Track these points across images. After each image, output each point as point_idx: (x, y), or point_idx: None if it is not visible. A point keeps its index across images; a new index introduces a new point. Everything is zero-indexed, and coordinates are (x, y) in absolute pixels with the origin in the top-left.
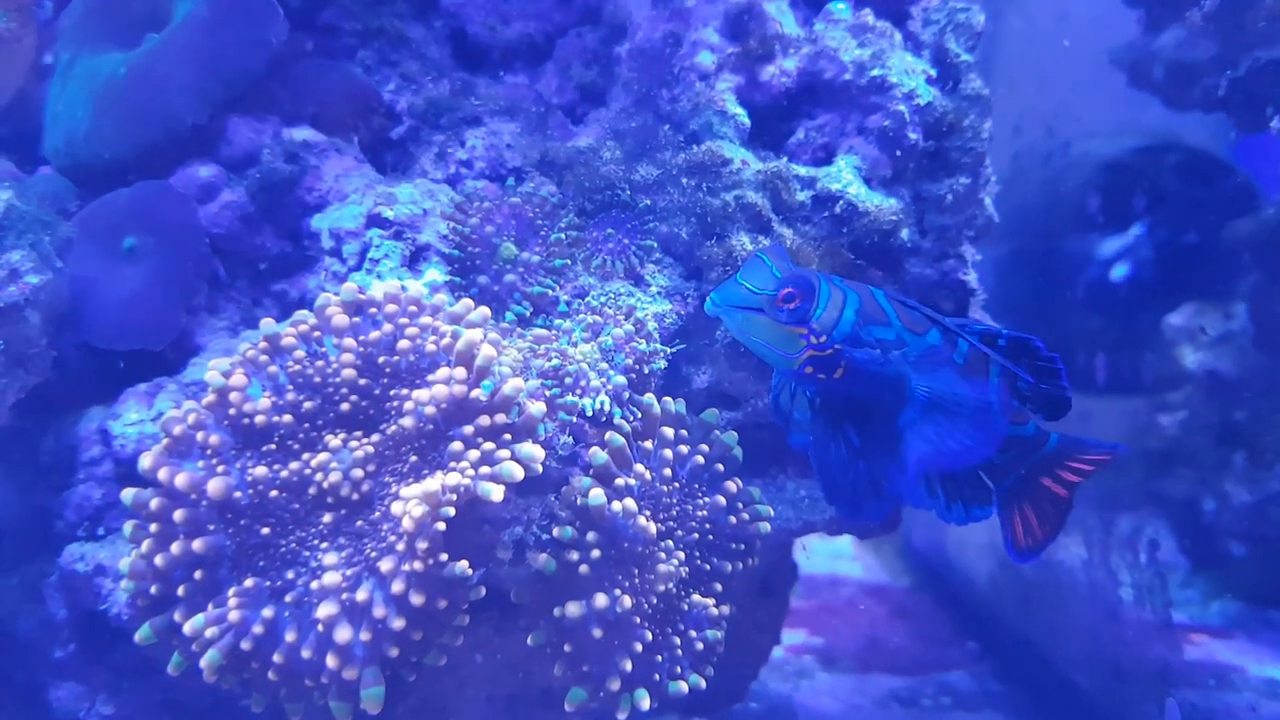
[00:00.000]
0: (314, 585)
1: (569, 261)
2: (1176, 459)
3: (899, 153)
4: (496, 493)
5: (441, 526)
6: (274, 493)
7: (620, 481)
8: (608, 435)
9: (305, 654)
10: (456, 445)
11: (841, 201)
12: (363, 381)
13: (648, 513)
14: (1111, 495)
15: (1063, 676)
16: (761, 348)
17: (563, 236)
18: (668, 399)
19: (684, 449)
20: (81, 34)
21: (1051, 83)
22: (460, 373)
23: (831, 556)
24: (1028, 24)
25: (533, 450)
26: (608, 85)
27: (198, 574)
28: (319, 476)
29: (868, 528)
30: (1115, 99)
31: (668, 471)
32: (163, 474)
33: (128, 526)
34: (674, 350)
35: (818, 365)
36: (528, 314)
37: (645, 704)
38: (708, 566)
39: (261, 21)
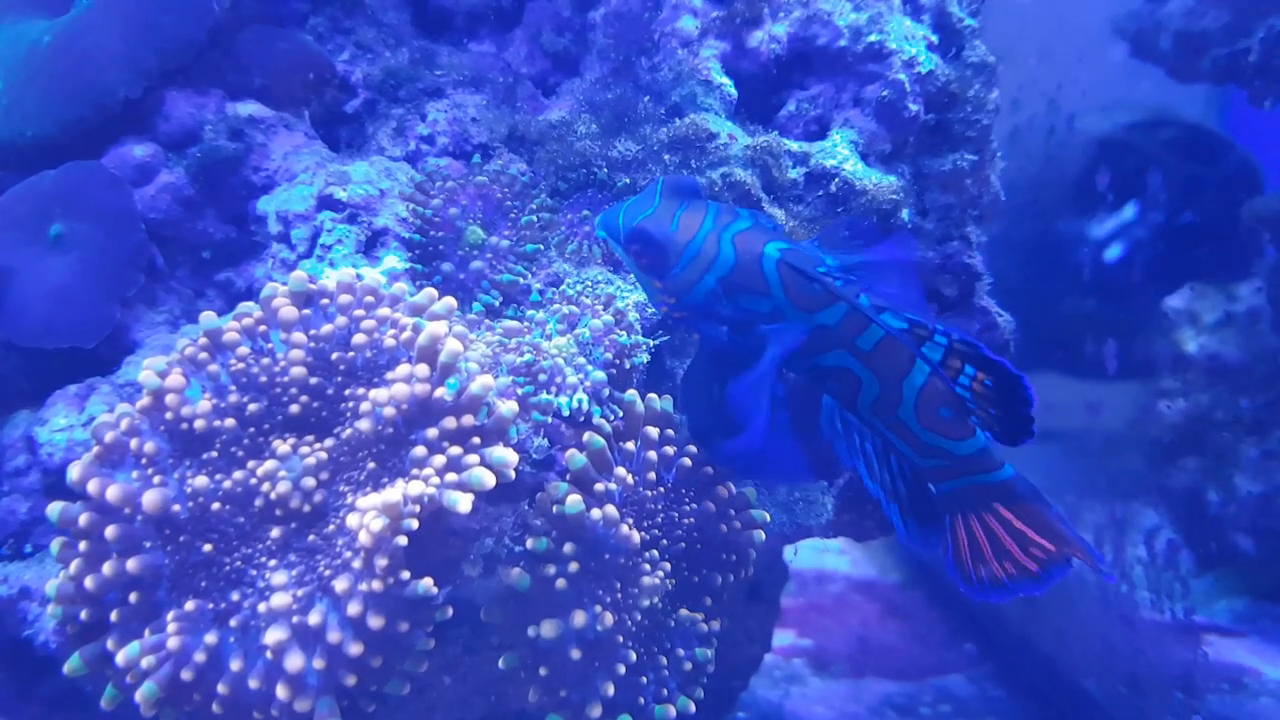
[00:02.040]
0: (261, 608)
1: (542, 246)
2: (1178, 449)
3: (898, 126)
4: (464, 502)
5: (403, 541)
6: (216, 505)
7: (600, 487)
8: (586, 436)
9: (253, 684)
10: (419, 450)
11: (837, 179)
12: (314, 380)
13: (630, 521)
14: (1116, 487)
15: (1071, 682)
16: (640, 285)
17: (535, 219)
18: (652, 396)
19: (670, 450)
20: (3, 1)
21: (1053, 53)
22: (423, 370)
23: (817, 550)
24: None
25: (504, 454)
26: (582, 53)
27: (132, 597)
28: (266, 487)
29: (864, 529)
30: (1119, 70)
31: (652, 475)
32: (93, 486)
33: (55, 544)
34: (657, 342)
35: (675, 324)
36: (497, 304)
37: None
38: (697, 579)
39: None
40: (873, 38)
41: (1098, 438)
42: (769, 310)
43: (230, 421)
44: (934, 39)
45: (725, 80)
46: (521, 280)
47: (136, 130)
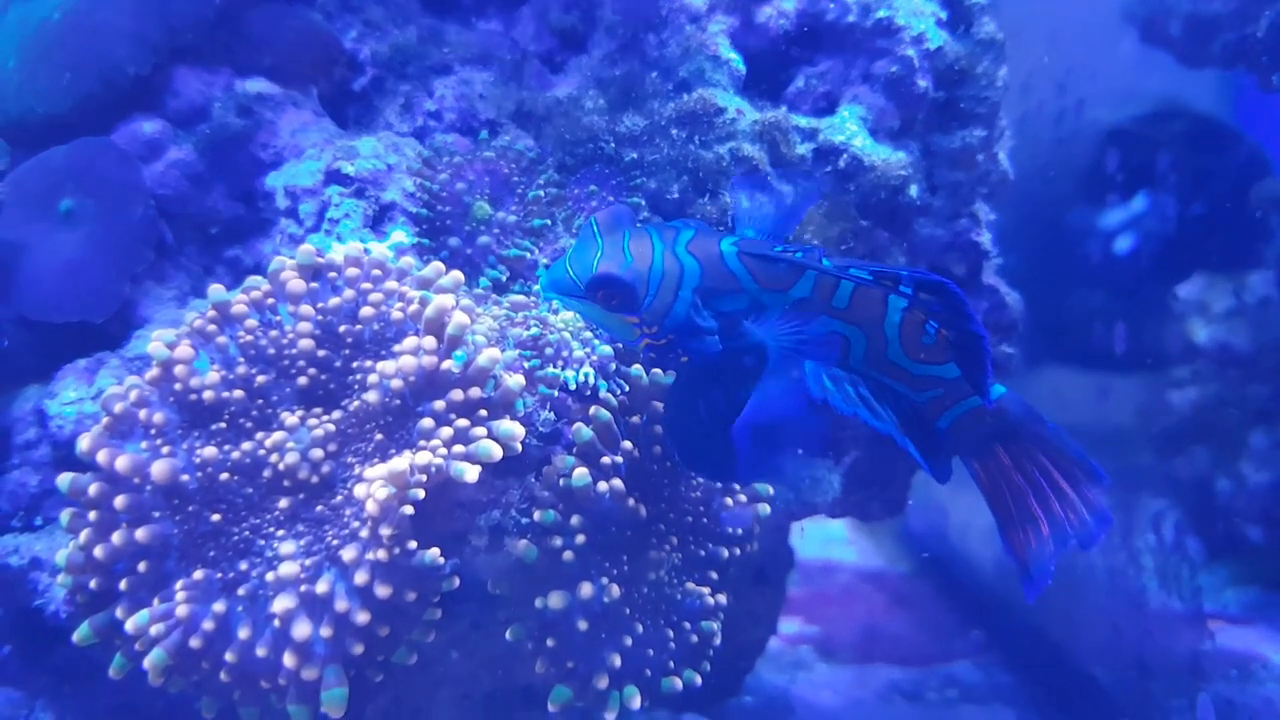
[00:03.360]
0: (269, 577)
1: (549, 221)
2: (1188, 438)
3: (907, 102)
4: (471, 473)
5: (409, 511)
6: (225, 476)
7: (607, 460)
8: (593, 410)
9: (260, 652)
10: (426, 422)
11: (845, 155)
12: (322, 353)
13: (637, 494)
14: (1126, 476)
15: (1079, 668)
16: (605, 330)
17: (541, 194)
18: (657, 370)
19: None
20: None
21: (1062, 38)
22: (430, 342)
23: (824, 540)
24: None
25: (511, 427)
26: (589, 31)
27: (141, 566)
28: (274, 458)
29: (869, 510)
30: (1128, 56)
31: (658, 449)
32: (102, 456)
33: (65, 515)
34: None
35: (660, 353)
36: (504, 279)
37: (635, 702)
38: (702, 553)
39: None
40: (882, 13)
41: (1106, 426)
42: (747, 305)
43: (239, 393)
44: (943, 15)
45: (734, 55)
46: (528, 255)
47: (146, 107)
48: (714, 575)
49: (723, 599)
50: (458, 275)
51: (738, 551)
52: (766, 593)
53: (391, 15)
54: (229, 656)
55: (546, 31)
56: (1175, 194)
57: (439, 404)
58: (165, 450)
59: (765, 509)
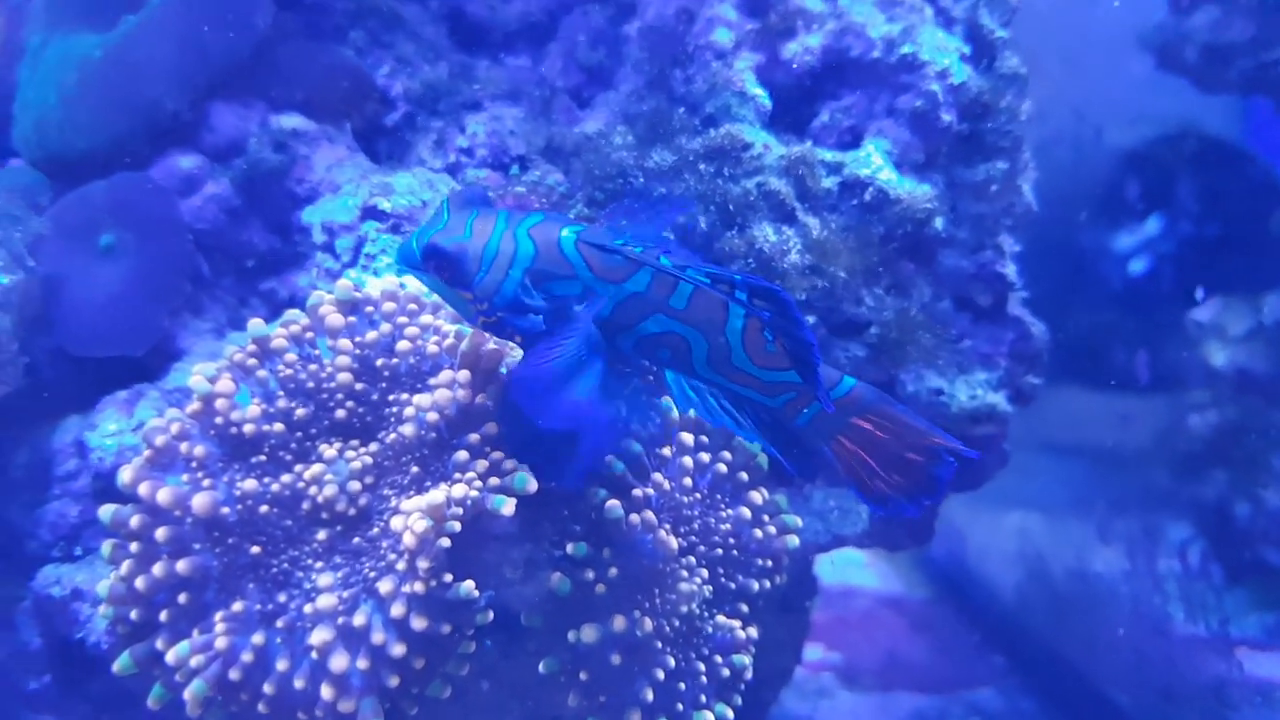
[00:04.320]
0: (308, 609)
1: None
2: (1207, 461)
3: (931, 136)
4: (507, 506)
5: (445, 543)
6: (264, 508)
7: (638, 492)
8: (624, 442)
9: (298, 684)
10: (462, 455)
11: (871, 188)
12: (359, 386)
13: (668, 526)
14: (1147, 499)
15: (1101, 694)
16: (449, 305)
17: None
18: None
19: (705, 456)
20: (54, 15)
21: (1079, 65)
22: (465, 376)
23: (843, 564)
24: (1053, 4)
25: None
26: (616, 66)
27: (182, 597)
28: (313, 490)
29: (897, 540)
30: (1145, 82)
31: (688, 481)
32: (144, 489)
33: (106, 546)
34: None
35: (495, 331)
36: None
37: None
38: (733, 585)
39: (247, 1)
40: (906, 49)
41: (1126, 450)
42: (580, 291)
43: (278, 426)
44: (966, 50)
45: (759, 91)
46: None
47: (183, 142)
48: (744, 608)
49: (754, 632)
50: None
51: (767, 584)
52: (791, 621)
53: (422, 51)
54: (267, 688)
55: (574, 67)
56: (1189, 216)
57: (474, 437)
58: (206, 483)
59: (794, 541)
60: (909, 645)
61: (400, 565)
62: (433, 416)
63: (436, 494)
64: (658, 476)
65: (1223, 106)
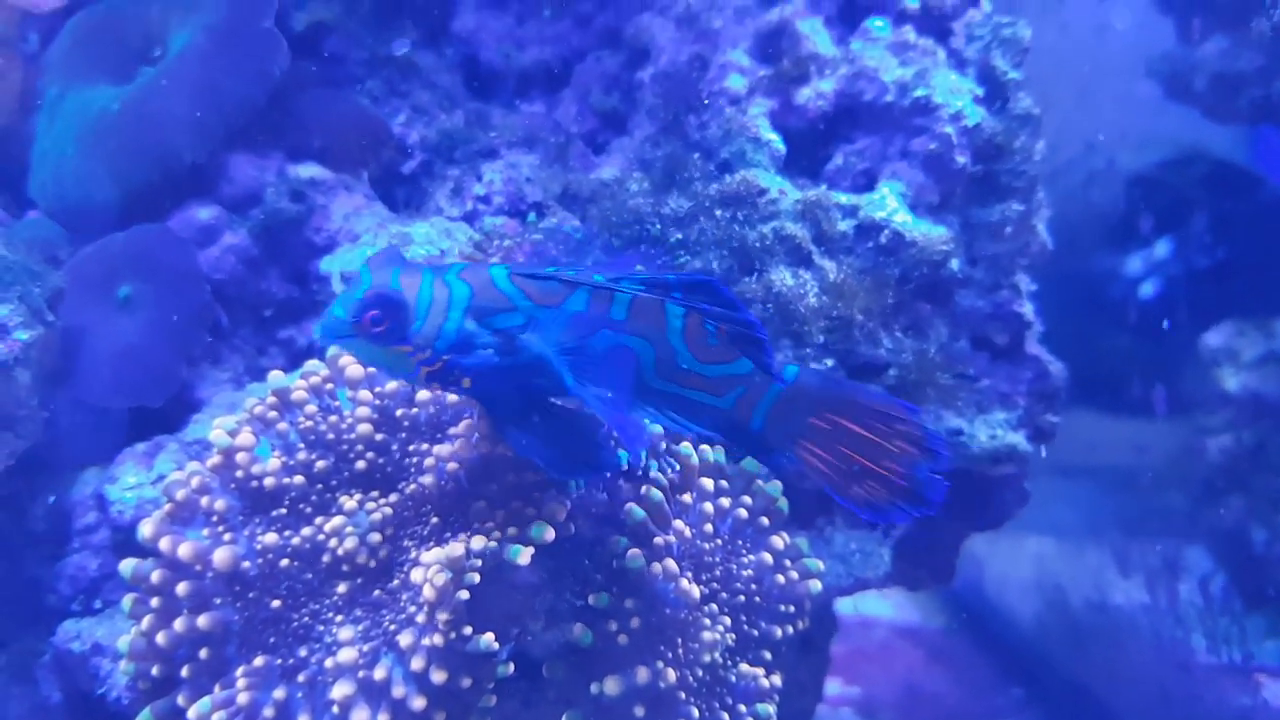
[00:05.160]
0: (329, 663)
1: None
2: (1222, 488)
3: (946, 177)
4: (525, 555)
5: (465, 595)
6: (285, 561)
7: (659, 540)
8: (644, 490)
9: None
10: (481, 505)
11: (887, 230)
12: (379, 436)
13: (689, 574)
14: (1162, 526)
15: None
16: (386, 372)
17: None
18: (705, 447)
19: (725, 502)
20: (71, 67)
21: (1091, 97)
22: (485, 425)
23: (858, 595)
24: (1064, 36)
25: (555, 508)
26: (630, 112)
27: (203, 652)
28: (333, 543)
29: (918, 580)
30: (1156, 112)
31: (709, 527)
32: (164, 543)
33: (127, 601)
34: None
35: (441, 380)
36: None
37: None
38: (755, 632)
39: (263, 51)
40: (919, 92)
41: (1139, 475)
42: (523, 321)
43: (299, 478)
44: (979, 92)
45: (774, 136)
46: None
47: (201, 192)
48: (768, 655)
49: (777, 680)
50: None
51: (790, 630)
52: (813, 660)
53: (438, 100)
54: None
55: (588, 112)
56: (1198, 240)
57: (493, 487)
58: (227, 537)
59: (817, 586)
60: (927, 677)
61: (420, 618)
62: (453, 466)
63: (456, 546)
64: (679, 524)
65: (1230, 134)
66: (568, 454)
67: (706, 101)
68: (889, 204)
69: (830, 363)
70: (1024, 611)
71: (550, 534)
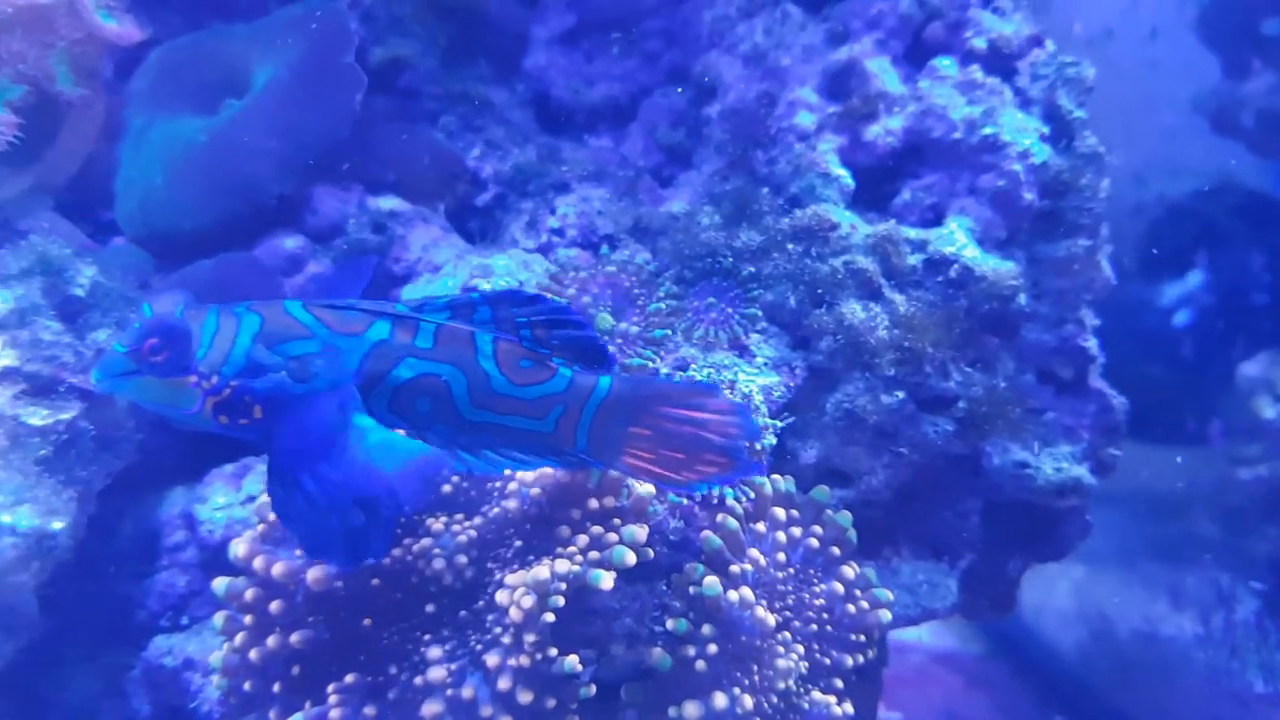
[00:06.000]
0: (417, 681)
1: (669, 332)
2: (1260, 516)
3: (1013, 214)
4: (607, 580)
5: (550, 618)
6: (375, 581)
7: (735, 568)
8: (720, 518)
9: None
10: (564, 530)
11: (956, 265)
12: None
13: (764, 602)
14: (1199, 555)
15: None
16: (166, 411)
17: (662, 306)
18: (776, 476)
19: (797, 531)
20: (155, 98)
21: (1139, 133)
22: None
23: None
24: (1111, 72)
25: (635, 531)
26: (695, 146)
27: (295, 669)
28: (421, 564)
29: (979, 609)
30: (1203, 145)
31: (781, 556)
32: (258, 563)
33: (219, 618)
34: (784, 424)
35: (229, 411)
36: None
37: None
38: (827, 660)
39: (345, 86)
40: (987, 130)
41: (1172, 503)
42: (319, 348)
43: None
44: (1045, 130)
45: (843, 171)
46: (650, 364)
47: (287, 223)
48: (839, 683)
49: (849, 708)
50: None
51: (860, 659)
52: (869, 689)
53: (511, 135)
54: None
55: (654, 147)
56: (1233, 268)
57: (575, 512)
58: None
59: (887, 616)
60: (966, 703)
61: (506, 639)
62: (535, 492)
63: (541, 569)
64: (753, 552)
65: (1270, 167)
66: (335, 529)
67: (775, 137)
68: (958, 239)
69: (901, 395)
70: (1065, 639)
71: (631, 558)
